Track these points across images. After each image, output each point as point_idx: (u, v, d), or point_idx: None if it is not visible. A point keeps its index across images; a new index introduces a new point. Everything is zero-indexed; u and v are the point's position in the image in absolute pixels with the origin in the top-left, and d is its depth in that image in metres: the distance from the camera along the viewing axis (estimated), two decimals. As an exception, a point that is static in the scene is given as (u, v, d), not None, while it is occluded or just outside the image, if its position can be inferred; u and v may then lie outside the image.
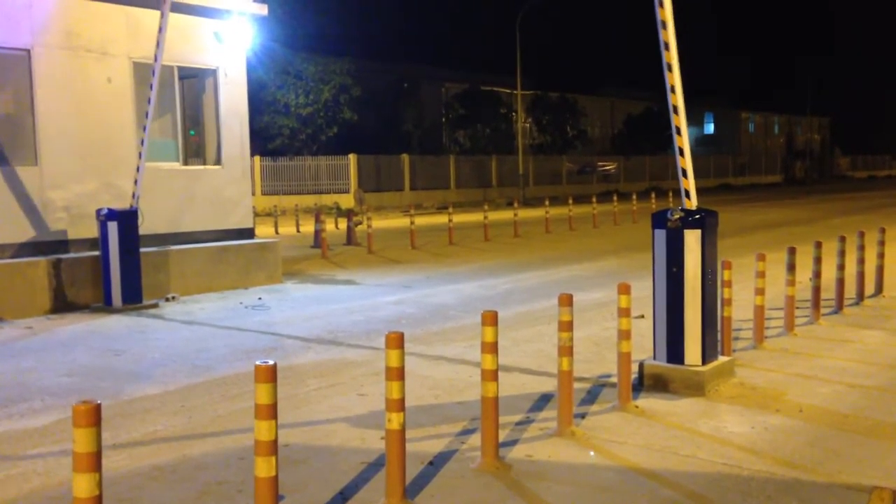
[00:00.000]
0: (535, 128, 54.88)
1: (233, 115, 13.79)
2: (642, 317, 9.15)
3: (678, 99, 6.82)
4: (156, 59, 11.36)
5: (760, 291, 8.25)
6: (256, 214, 22.42)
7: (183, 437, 5.81)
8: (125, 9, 12.31)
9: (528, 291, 12.48)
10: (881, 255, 11.38)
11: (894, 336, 8.83)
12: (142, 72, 12.69)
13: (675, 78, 6.79)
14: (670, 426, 5.84)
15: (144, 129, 11.54)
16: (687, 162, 6.82)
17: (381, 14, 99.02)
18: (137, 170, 11.53)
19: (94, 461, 3.21)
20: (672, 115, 6.84)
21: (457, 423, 5.99)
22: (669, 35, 6.73)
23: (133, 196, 11.54)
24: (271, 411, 3.91)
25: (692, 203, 6.72)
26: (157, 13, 12.65)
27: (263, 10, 14.06)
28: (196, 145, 13.85)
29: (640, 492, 4.73)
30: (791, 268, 8.80)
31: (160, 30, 11.39)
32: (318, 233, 19.36)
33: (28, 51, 11.38)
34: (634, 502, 4.60)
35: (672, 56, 6.77)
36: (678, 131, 6.84)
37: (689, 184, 6.79)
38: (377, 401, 6.38)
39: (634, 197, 29.79)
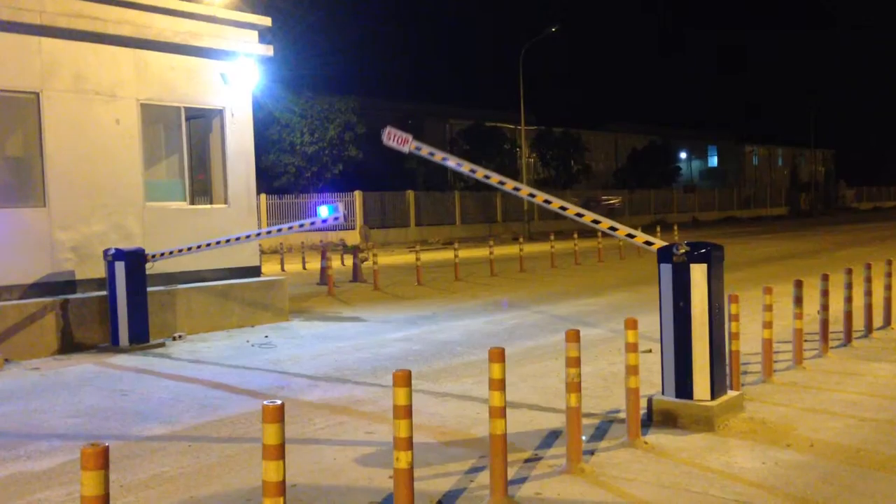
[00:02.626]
0: (539, 163, 55.23)
1: (239, 154, 13.90)
2: (650, 351, 9.12)
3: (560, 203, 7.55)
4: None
5: (768, 325, 8.21)
6: (263, 252, 22.50)
7: (190, 477, 5.78)
8: (134, 51, 12.48)
9: (535, 326, 12.45)
10: (888, 287, 11.34)
11: (904, 368, 8.77)
12: (149, 113, 12.85)
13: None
14: (680, 462, 5.79)
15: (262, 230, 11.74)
16: (625, 229, 7.55)
17: (386, 52, 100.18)
18: (187, 250, 11.62)
19: (103, 504, 3.21)
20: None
21: (465, 460, 5.96)
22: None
23: (168, 253, 11.67)
24: (279, 451, 3.89)
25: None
26: (164, 55, 12.86)
27: (269, 51, 14.24)
28: (203, 184, 13.94)
29: (651, 529, 4.68)
30: (798, 301, 8.76)
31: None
32: (324, 270, 19.40)
33: (37, 93, 11.52)
34: (646, 540, 4.55)
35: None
36: (598, 221, 7.36)
37: (647, 237, 7.19)
38: (385, 439, 6.36)
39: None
